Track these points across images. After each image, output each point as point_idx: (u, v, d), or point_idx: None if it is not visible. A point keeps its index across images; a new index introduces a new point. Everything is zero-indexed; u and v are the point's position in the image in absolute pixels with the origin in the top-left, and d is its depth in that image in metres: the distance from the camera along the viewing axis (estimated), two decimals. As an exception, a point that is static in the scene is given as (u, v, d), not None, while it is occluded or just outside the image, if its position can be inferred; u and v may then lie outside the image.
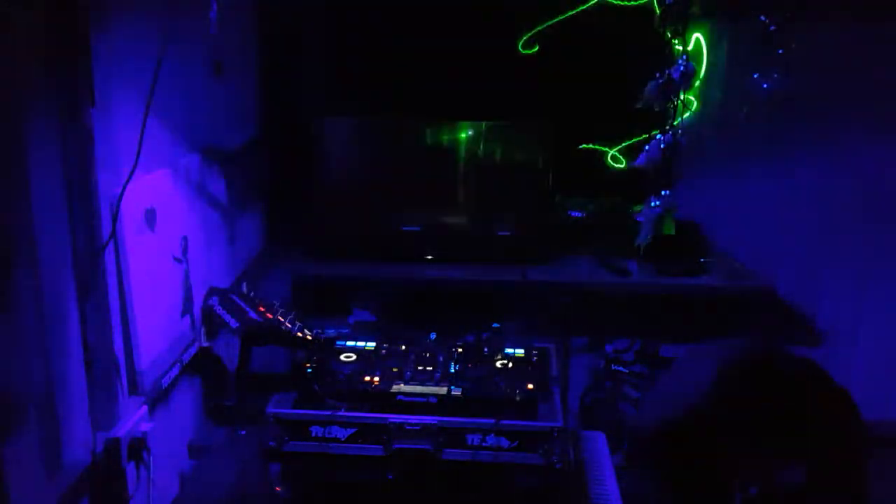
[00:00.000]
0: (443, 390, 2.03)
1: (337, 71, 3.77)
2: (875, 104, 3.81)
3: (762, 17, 3.53)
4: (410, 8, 3.63)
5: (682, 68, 3.50)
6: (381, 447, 1.94)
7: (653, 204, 3.74)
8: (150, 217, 2.14)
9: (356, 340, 2.33)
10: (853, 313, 4.12)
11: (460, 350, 2.28)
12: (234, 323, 2.17)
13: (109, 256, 1.87)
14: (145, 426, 1.97)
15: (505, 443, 1.92)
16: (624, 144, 3.66)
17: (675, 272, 3.74)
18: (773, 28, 3.51)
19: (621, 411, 3.87)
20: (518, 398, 2.02)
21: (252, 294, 2.74)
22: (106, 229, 1.83)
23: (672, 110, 3.47)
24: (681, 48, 3.42)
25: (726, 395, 1.37)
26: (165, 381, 2.22)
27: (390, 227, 3.74)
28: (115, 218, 1.85)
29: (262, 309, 2.22)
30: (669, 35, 3.43)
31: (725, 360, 1.37)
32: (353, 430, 1.95)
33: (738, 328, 3.88)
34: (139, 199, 2.06)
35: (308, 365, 2.16)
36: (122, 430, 1.89)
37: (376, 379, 2.08)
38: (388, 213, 3.75)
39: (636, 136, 3.63)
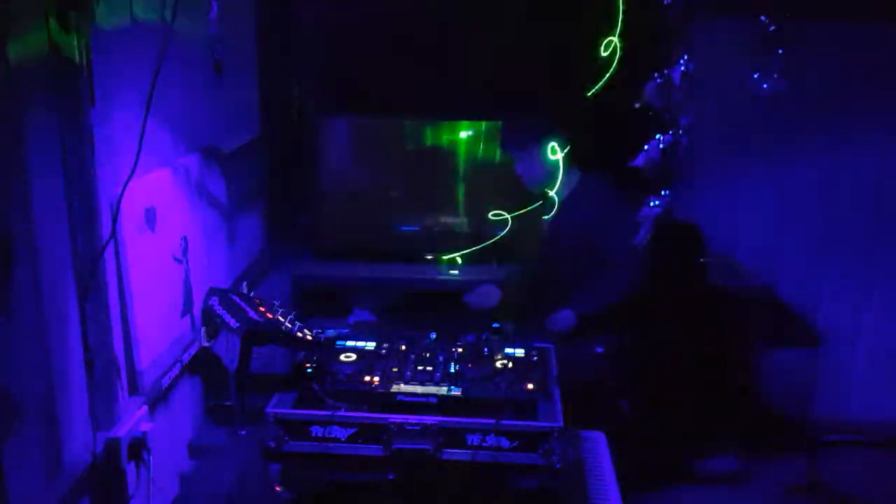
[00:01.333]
0: (443, 390, 2.03)
1: (336, 71, 3.77)
2: (875, 104, 3.82)
3: (762, 17, 3.53)
4: (411, 9, 3.64)
5: (682, 68, 3.50)
6: (381, 447, 1.94)
7: (652, 204, 3.74)
8: (150, 217, 2.14)
9: (356, 340, 2.33)
10: (853, 313, 4.12)
11: (460, 350, 2.28)
12: (234, 323, 2.17)
13: (109, 256, 1.87)
14: (145, 426, 1.97)
15: (505, 443, 1.92)
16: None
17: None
18: (772, 28, 3.51)
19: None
20: (518, 398, 2.02)
21: (252, 294, 2.74)
22: (106, 229, 1.82)
23: (672, 110, 3.46)
24: (681, 48, 3.42)
25: None
26: (165, 381, 2.22)
27: (389, 228, 3.74)
28: (115, 218, 1.85)
29: (262, 309, 2.22)
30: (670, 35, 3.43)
31: None
32: (353, 430, 1.95)
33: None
34: (139, 199, 2.06)
35: (308, 365, 2.16)
36: (122, 430, 1.89)
37: (376, 379, 2.08)
38: (388, 214, 3.75)
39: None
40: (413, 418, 1.94)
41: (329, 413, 1.95)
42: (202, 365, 2.51)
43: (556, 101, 3.59)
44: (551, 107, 3.47)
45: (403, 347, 2.28)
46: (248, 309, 2.27)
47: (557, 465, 1.91)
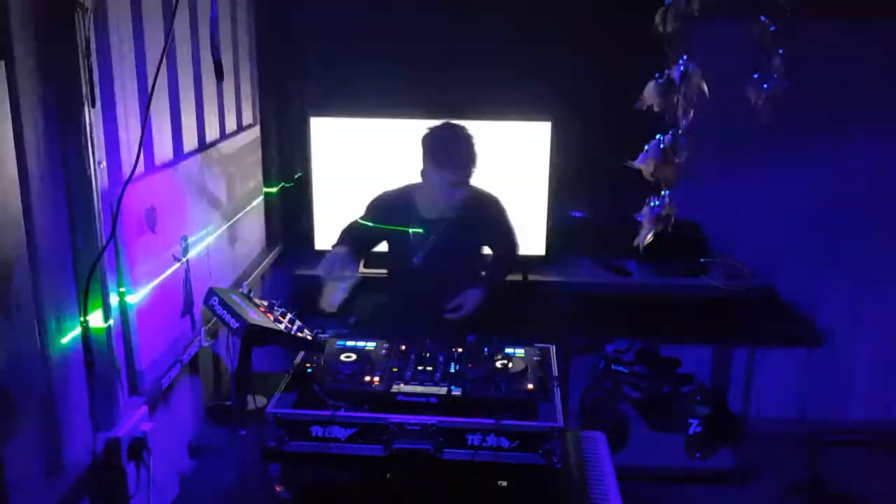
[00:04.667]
0: (443, 390, 2.03)
1: (336, 70, 3.77)
2: (874, 104, 3.82)
3: (762, 18, 3.52)
4: (410, 7, 3.63)
5: (682, 68, 3.49)
6: (381, 447, 1.94)
7: (652, 204, 3.73)
8: (150, 217, 2.14)
9: (356, 340, 2.32)
10: (853, 313, 4.12)
11: (460, 350, 2.27)
12: (234, 323, 2.16)
13: (109, 256, 1.87)
14: (145, 426, 1.97)
15: (505, 443, 1.92)
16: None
17: (674, 272, 3.74)
18: (773, 28, 3.50)
19: (621, 411, 3.87)
20: (518, 398, 2.02)
21: (252, 294, 2.73)
22: (106, 229, 1.83)
23: (672, 110, 3.46)
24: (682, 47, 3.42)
25: None
26: (165, 381, 2.22)
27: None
28: (115, 218, 1.85)
29: (262, 309, 2.22)
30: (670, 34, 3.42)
31: None
32: (353, 430, 1.95)
33: (738, 328, 3.88)
34: (139, 199, 2.06)
35: (308, 365, 2.16)
36: (122, 430, 1.89)
37: (376, 379, 2.08)
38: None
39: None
40: (413, 418, 1.94)
41: (329, 413, 1.95)
42: (202, 365, 2.51)
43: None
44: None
45: (403, 347, 2.28)
46: (248, 309, 2.26)
47: (557, 465, 1.91)
